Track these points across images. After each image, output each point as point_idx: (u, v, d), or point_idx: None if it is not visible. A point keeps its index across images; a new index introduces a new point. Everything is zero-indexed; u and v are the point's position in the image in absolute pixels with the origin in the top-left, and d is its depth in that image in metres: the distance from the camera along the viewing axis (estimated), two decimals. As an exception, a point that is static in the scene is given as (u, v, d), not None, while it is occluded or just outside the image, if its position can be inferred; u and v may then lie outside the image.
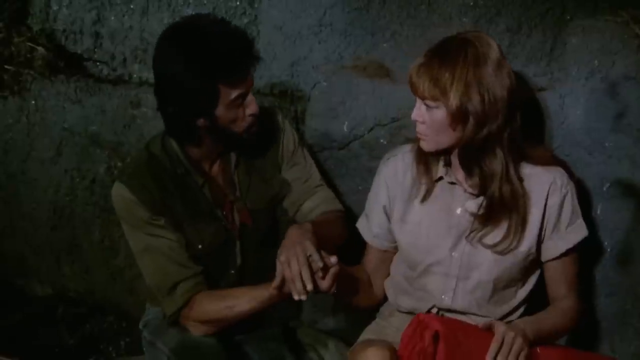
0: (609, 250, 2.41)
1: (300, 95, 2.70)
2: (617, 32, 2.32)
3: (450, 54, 2.05)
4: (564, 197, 2.17)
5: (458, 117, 2.05)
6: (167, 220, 2.32)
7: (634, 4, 2.32)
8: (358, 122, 2.66)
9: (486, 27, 2.49)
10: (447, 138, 2.10)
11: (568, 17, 2.41)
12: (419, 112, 2.11)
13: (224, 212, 2.40)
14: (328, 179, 2.70)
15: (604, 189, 2.39)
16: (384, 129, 2.63)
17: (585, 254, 2.29)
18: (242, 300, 2.28)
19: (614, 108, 2.33)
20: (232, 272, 2.42)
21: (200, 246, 2.36)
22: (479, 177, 2.14)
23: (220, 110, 2.22)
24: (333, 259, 2.10)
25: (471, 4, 2.49)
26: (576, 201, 2.20)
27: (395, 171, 2.29)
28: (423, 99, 2.08)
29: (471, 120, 2.05)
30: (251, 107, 2.26)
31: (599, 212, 2.41)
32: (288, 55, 2.67)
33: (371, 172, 2.64)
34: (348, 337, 2.73)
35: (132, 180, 2.31)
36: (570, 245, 2.20)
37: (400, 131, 2.60)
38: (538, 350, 2.07)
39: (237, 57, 2.18)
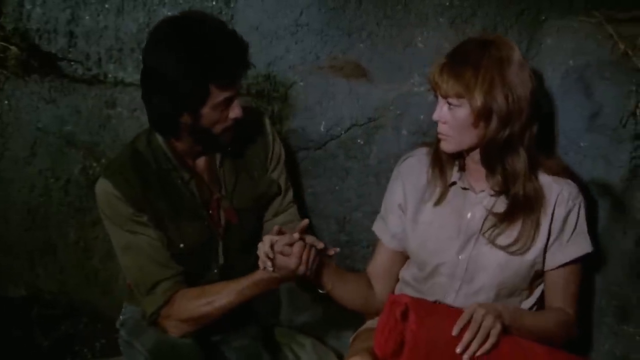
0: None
1: (277, 96, 2.70)
2: (591, 33, 2.33)
3: (472, 54, 2.07)
4: (570, 210, 2.17)
5: (482, 115, 2.06)
6: (149, 217, 2.31)
7: (608, 5, 2.34)
8: (335, 122, 2.66)
9: (462, 27, 2.50)
10: (469, 137, 2.11)
11: (543, 18, 2.43)
12: (442, 112, 2.11)
13: (210, 211, 2.39)
14: (305, 179, 2.71)
15: (579, 188, 2.41)
16: (361, 129, 2.63)
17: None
18: (221, 295, 2.27)
19: (589, 108, 2.35)
20: (215, 271, 2.41)
21: (182, 245, 2.35)
22: (501, 175, 2.14)
23: (206, 110, 2.21)
24: (295, 235, 2.12)
25: (447, 4, 2.50)
26: (583, 216, 2.20)
27: (412, 171, 2.30)
28: (446, 97, 2.09)
29: (495, 119, 2.06)
30: (235, 110, 2.25)
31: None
32: (264, 55, 2.67)
33: (348, 172, 2.66)
34: (325, 336, 2.74)
35: (116, 176, 2.30)
36: (568, 259, 2.19)
37: (377, 131, 2.60)
38: (518, 340, 2.06)
39: (233, 61, 2.18)
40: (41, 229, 3.02)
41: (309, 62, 2.66)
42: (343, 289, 2.32)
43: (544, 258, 2.20)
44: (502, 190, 2.16)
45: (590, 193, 2.37)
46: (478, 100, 2.04)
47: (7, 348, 2.91)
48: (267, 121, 2.50)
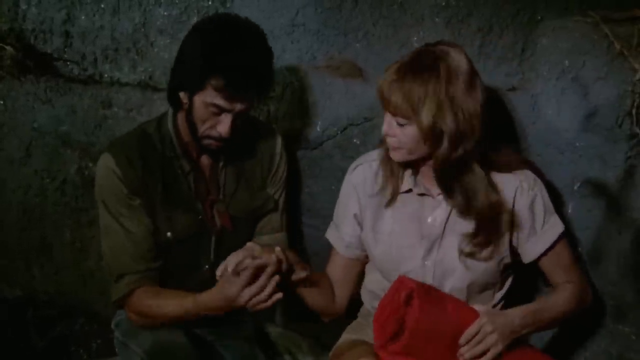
0: (579, 249, 2.43)
1: (273, 95, 2.69)
2: (587, 33, 2.34)
3: (422, 71, 2.01)
4: (533, 199, 2.17)
5: (430, 135, 2.03)
6: (142, 202, 2.33)
7: (604, 5, 2.34)
8: (331, 122, 2.66)
9: (458, 28, 2.50)
10: (419, 150, 2.09)
11: (539, 18, 2.43)
12: (390, 126, 2.08)
13: (204, 207, 2.40)
14: (301, 179, 2.70)
15: (575, 188, 2.41)
16: (357, 129, 2.63)
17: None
18: (171, 304, 2.29)
19: (585, 108, 2.35)
20: (207, 267, 2.41)
21: (169, 234, 2.35)
22: (460, 194, 2.12)
23: (198, 101, 2.23)
24: (248, 261, 2.10)
25: (443, 4, 2.50)
26: (547, 199, 2.20)
27: (364, 179, 2.28)
28: (394, 115, 2.06)
29: (445, 140, 2.03)
30: (221, 126, 2.24)
31: (570, 211, 2.43)
32: (260, 55, 2.67)
33: (344, 172, 2.65)
34: (321, 338, 2.73)
35: (120, 154, 2.32)
36: (548, 245, 2.20)
37: (373, 131, 2.60)
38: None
39: (239, 76, 2.18)
40: (37, 229, 3.01)
41: (306, 62, 2.66)
42: (308, 291, 2.32)
43: (514, 252, 2.21)
44: (464, 209, 2.13)
45: (586, 193, 2.39)
46: (425, 122, 2.01)
47: (2, 349, 2.91)
48: (280, 142, 2.51)
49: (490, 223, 2.14)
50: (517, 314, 2.11)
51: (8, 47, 2.87)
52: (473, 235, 2.15)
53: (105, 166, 2.32)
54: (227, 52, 2.17)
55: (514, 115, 2.48)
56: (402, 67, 2.05)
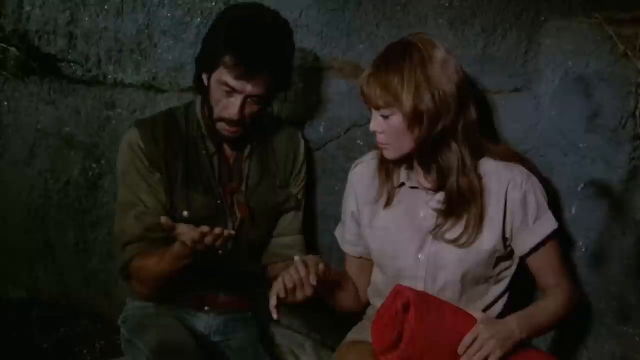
0: (583, 250, 2.43)
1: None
2: (590, 34, 2.33)
3: (396, 60, 2.09)
4: (525, 193, 2.19)
5: (414, 119, 2.08)
6: (161, 178, 2.38)
7: (608, 6, 2.34)
8: (334, 123, 2.67)
9: (461, 29, 2.50)
10: (407, 143, 2.13)
11: (542, 19, 2.43)
12: (377, 122, 2.14)
13: (224, 194, 2.44)
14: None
15: (579, 189, 2.40)
16: (360, 130, 2.64)
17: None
18: (155, 260, 2.31)
19: (588, 109, 2.35)
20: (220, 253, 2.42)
21: (185, 213, 2.39)
22: (436, 172, 2.17)
23: (214, 81, 2.30)
24: (204, 228, 2.10)
25: (446, 5, 2.50)
26: (542, 196, 2.22)
27: (362, 177, 2.32)
28: (378, 108, 2.12)
29: (425, 120, 2.08)
30: (231, 107, 2.29)
31: (573, 212, 2.42)
32: (264, 56, 2.66)
33: (347, 173, 2.65)
34: (325, 338, 2.73)
35: (145, 128, 2.40)
36: (539, 239, 2.22)
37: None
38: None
39: (247, 56, 2.23)
40: (41, 230, 3.02)
41: (309, 62, 2.66)
42: (334, 294, 2.34)
43: (507, 245, 2.23)
44: (439, 187, 2.19)
45: (590, 194, 2.38)
46: (407, 106, 2.06)
47: (6, 350, 2.91)
48: (304, 144, 2.58)
49: (461, 206, 2.17)
50: (513, 321, 2.12)
51: (12, 49, 2.88)
52: (444, 213, 2.19)
53: (130, 140, 2.39)
54: (240, 31, 2.24)
55: (518, 117, 2.47)
56: (376, 61, 2.13)
